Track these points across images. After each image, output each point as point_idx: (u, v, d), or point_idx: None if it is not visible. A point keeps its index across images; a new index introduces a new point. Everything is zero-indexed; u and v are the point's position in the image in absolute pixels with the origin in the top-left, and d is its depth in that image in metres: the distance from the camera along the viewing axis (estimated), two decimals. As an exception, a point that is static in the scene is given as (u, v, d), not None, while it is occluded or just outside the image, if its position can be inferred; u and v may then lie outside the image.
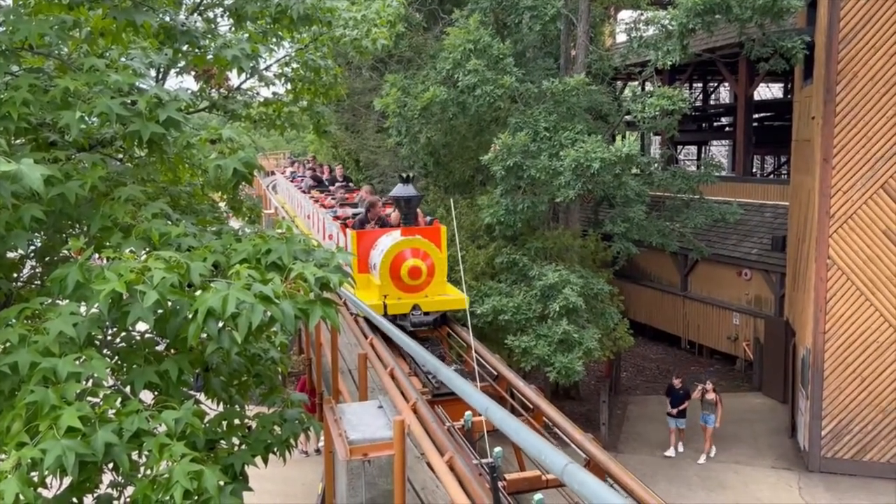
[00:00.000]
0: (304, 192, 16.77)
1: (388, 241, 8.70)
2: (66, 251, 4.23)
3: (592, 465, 5.24)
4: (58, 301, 3.33)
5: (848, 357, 12.19)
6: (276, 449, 3.82)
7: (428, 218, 9.57)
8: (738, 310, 17.85)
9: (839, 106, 11.83)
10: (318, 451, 13.73)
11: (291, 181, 20.49)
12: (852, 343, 12.15)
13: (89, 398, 3.08)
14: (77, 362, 2.98)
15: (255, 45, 4.66)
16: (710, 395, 13.71)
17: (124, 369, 3.46)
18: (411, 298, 8.56)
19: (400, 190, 8.74)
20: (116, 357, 3.61)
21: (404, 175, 8.85)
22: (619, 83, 22.84)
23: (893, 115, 11.53)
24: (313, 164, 22.80)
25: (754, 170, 26.89)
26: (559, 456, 1.78)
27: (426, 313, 8.64)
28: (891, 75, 11.50)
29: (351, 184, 18.12)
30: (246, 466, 3.60)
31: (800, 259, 14.30)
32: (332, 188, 16.81)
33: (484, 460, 5.15)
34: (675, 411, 14.09)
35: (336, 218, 11.10)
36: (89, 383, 3.24)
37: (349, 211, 12.08)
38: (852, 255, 11.99)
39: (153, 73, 5.20)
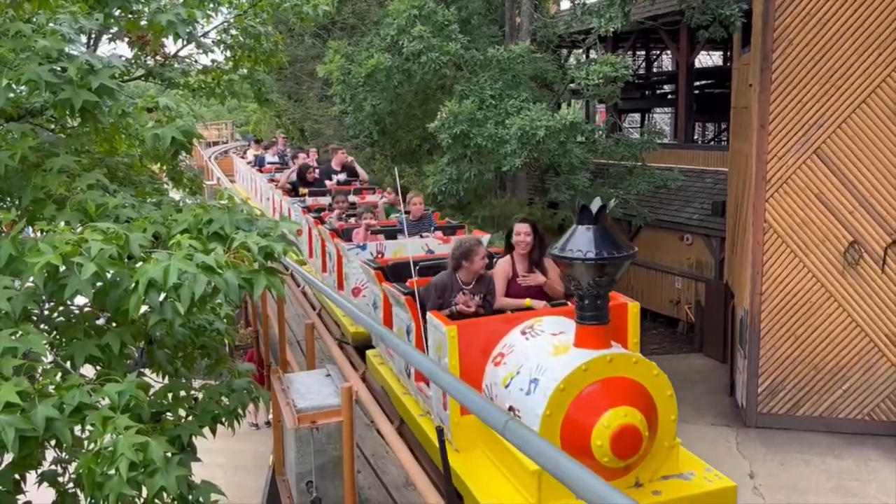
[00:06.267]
0: (287, 192, 11.46)
1: (548, 356, 4.03)
2: (-3, 224, 4.10)
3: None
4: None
5: (783, 317, 12.66)
6: (224, 419, 3.81)
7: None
8: (680, 274, 18.32)
9: (775, 73, 12.12)
10: (267, 423, 13.70)
11: (259, 169, 14.97)
12: (787, 304, 12.61)
13: (27, 373, 3.03)
14: (13, 337, 2.91)
15: (192, 11, 4.54)
16: None
17: (63, 344, 3.40)
18: None
19: (583, 239, 3.68)
20: (55, 332, 3.54)
21: (584, 204, 3.79)
22: (564, 51, 22.94)
23: (826, 82, 11.88)
24: (284, 144, 16.80)
25: (696, 137, 27.43)
26: (500, 413, 1.83)
27: None
28: (823, 43, 11.82)
29: (358, 179, 12.12)
30: (194, 438, 3.59)
31: (738, 223, 14.72)
32: (329, 183, 11.42)
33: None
34: None
35: (381, 272, 5.99)
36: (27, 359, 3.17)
37: (386, 247, 7.12)
38: (787, 219, 12.40)
39: (84, 39, 5.02)
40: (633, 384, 3.87)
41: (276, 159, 15.55)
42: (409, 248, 6.77)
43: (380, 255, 7.05)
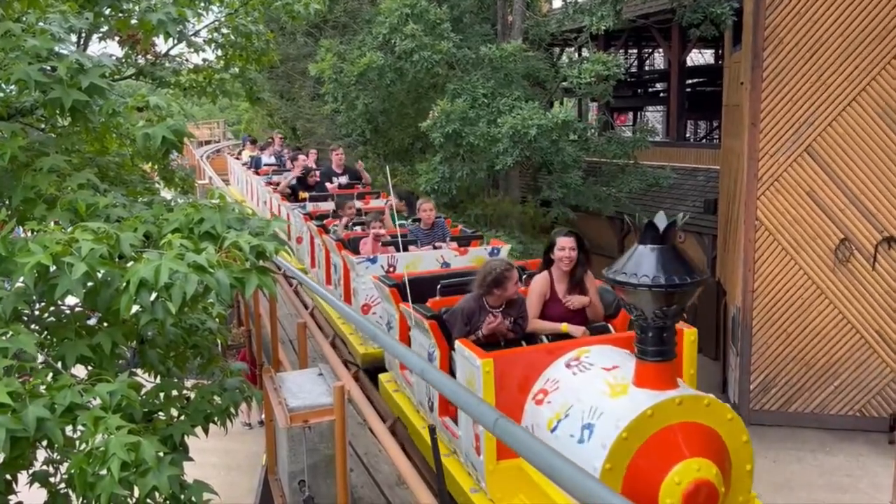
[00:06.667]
0: (286, 196, 10.77)
1: (603, 397, 3.51)
2: (-13, 224, 4.08)
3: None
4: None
5: (774, 314, 12.72)
6: (216, 419, 3.81)
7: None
8: (673, 271, 18.33)
9: (766, 71, 12.16)
10: (261, 422, 13.67)
11: (255, 172, 14.31)
12: (778, 301, 12.67)
13: (18, 374, 3.02)
14: (4, 338, 2.90)
15: (182, 10, 4.52)
16: None
17: (54, 344, 3.39)
18: None
19: (648, 262, 3.10)
20: (46, 332, 3.52)
21: (650, 220, 3.23)
22: (557, 49, 22.97)
23: (816, 80, 11.93)
24: (280, 145, 16.13)
25: (688, 135, 27.51)
26: (491, 411, 1.83)
27: None
28: (814, 41, 11.87)
29: (361, 182, 11.30)
30: (186, 438, 3.58)
31: (730, 221, 14.77)
32: (330, 187, 10.72)
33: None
34: None
35: (396, 290, 5.48)
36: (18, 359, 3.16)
37: (398, 260, 6.53)
38: (778, 217, 12.45)
39: (74, 38, 5.00)
40: (706, 431, 3.28)
41: (272, 160, 14.88)
42: (423, 260, 6.49)
43: (391, 269, 6.47)
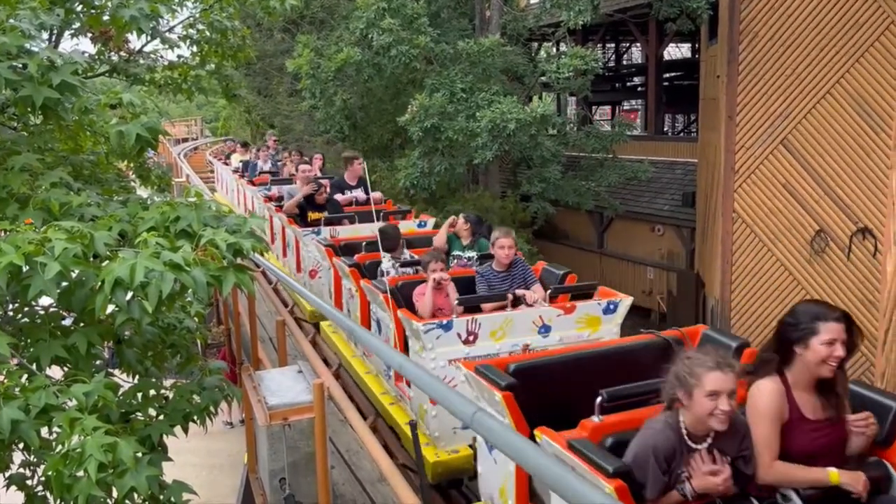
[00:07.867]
0: (294, 219, 8.69)
1: None
2: (-42, 225, 4.02)
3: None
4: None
5: (752, 305, 12.86)
6: (196, 418, 3.78)
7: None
8: (652, 264, 18.50)
9: (741, 65, 12.27)
10: (242, 421, 13.59)
11: (249, 181, 12.59)
12: (756, 292, 12.81)
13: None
14: (-24, 340, 2.86)
15: (155, 6, 4.47)
16: None
17: (28, 345, 3.34)
18: None
19: None
20: (19, 333, 3.48)
21: None
22: (535, 44, 23.01)
23: (791, 73, 12.06)
24: (275, 147, 14.46)
25: (665, 128, 27.68)
26: (468, 405, 1.84)
27: None
28: (788, 35, 11.99)
29: (375, 192, 8.73)
30: (165, 438, 3.55)
31: (708, 214, 14.90)
32: (342, 199, 9.15)
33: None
34: None
35: (512, 395, 3.14)
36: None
37: (480, 325, 4.58)
38: (755, 209, 12.58)
39: (45, 35, 4.94)
40: None
41: (269, 167, 13.11)
42: (515, 325, 4.50)
43: (471, 339, 4.50)
